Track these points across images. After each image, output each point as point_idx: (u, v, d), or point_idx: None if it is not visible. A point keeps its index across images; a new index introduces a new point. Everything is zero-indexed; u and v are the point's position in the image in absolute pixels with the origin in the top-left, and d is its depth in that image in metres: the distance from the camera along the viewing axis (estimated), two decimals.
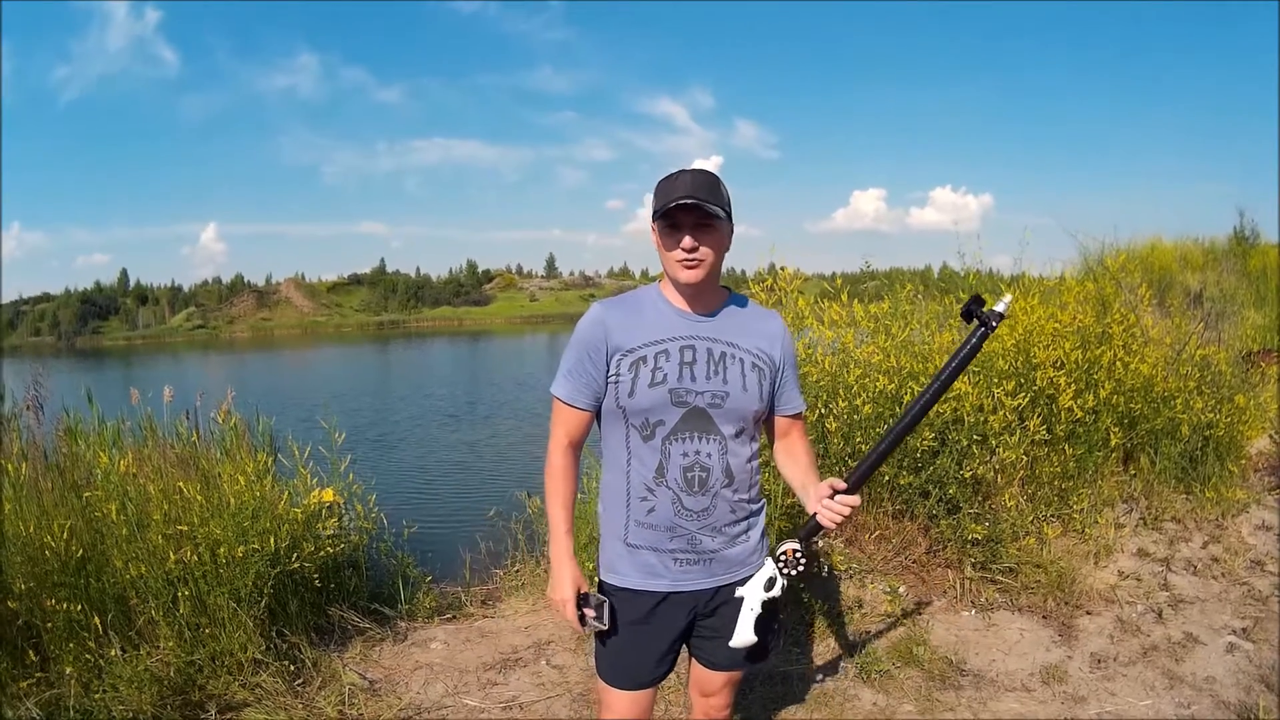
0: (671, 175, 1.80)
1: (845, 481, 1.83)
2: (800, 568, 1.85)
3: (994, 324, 1.75)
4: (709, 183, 1.77)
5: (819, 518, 1.82)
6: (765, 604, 1.86)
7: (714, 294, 1.89)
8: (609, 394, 1.85)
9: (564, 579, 1.87)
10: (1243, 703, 2.95)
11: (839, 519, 1.81)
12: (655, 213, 1.78)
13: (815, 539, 1.92)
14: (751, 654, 1.94)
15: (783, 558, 1.83)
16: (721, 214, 1.75)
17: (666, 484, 1.81)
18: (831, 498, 1.81)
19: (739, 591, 1.85)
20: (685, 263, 1.77)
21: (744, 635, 1.83)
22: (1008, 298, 1.79)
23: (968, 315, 1.77)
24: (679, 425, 1.80)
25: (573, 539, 1.92)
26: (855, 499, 1.82)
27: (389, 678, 3.23)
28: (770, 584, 1.84)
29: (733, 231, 1.86)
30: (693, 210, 1.73)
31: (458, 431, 11.66)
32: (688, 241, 1.75)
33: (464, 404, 16.30)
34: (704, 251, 1.76)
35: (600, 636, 1.96)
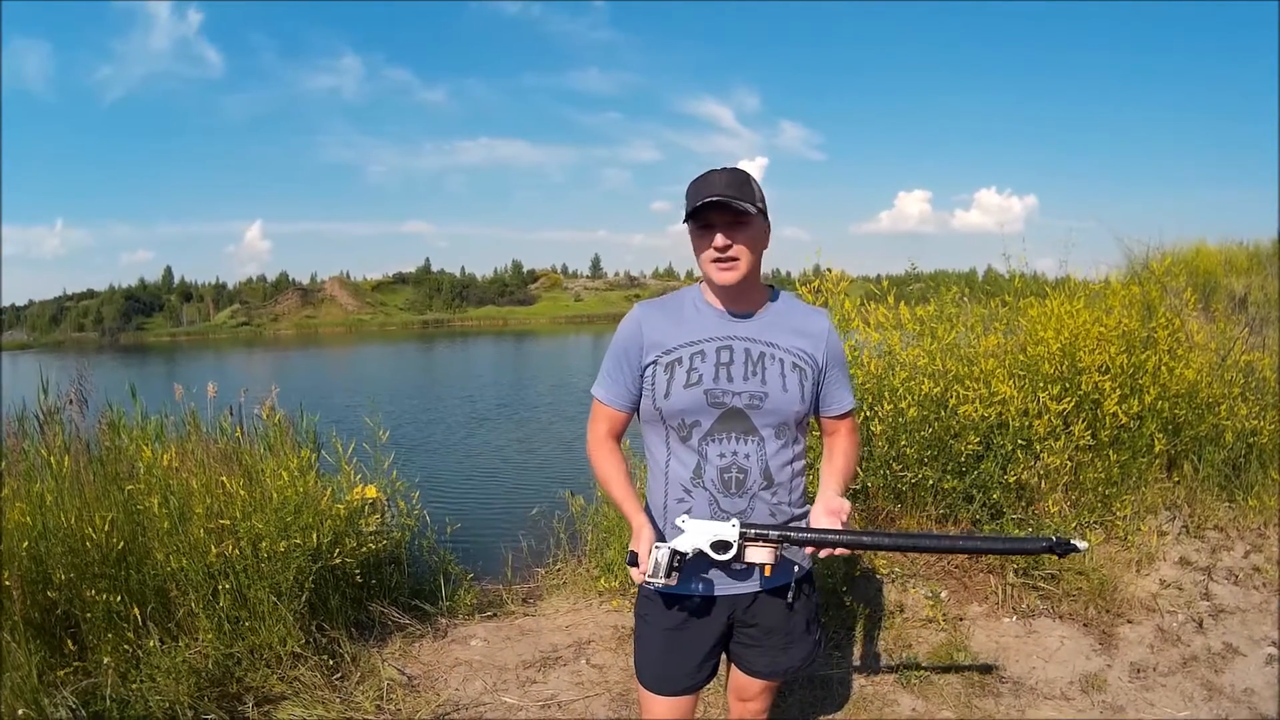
0: (701, 175, 1.77)
1: (852, 533, 1.73)
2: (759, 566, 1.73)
3: (1059, 552, 1.62)
4: (739, 180, 1.74)
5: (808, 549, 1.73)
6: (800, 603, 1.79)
7: (755, 293, 1.85)
8: (646, 397, 1.84)
9: (641, 537, 1.74)
10: None
11: (823, 554, 1.73)
12: (686, 214, 1.75)
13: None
14: (791, 664, 1.94)
15: (752, 557, 1.69)
16: (753, 210, 1.71)
17: (704, 485, 1.79)
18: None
19: (679, 520, 1.73)
20: (720, 264, 1.75)
21: (653, 571, 1.68)
22: (1086, 544, 1.66)
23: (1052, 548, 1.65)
24: (715, 426, 1.78)
25: (638, 501, 1.83)
26: (848, 551, 1.74)
27: (428, 674, 3.23)
28: (721, 548, 1.69)
29: (769, 229, 1.83)
30: (723, 208, 1.71)
31: (501, 430, 11.70)
32: (719, 240, 1.73)
33: (508, 403, 16.31)
34: (738, 250, 1.73)
35: (640, 640, 1.94)
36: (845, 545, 1.70)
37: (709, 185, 1.72)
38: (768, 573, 1.71)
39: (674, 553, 1.68)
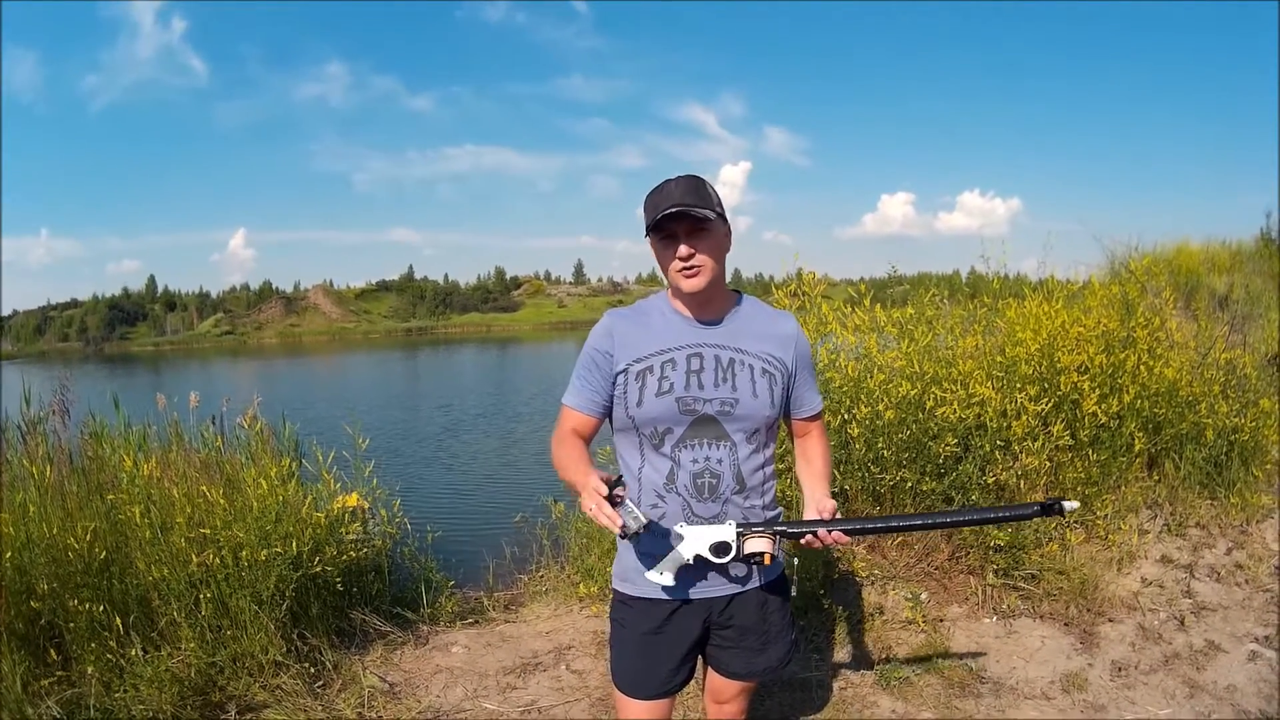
0: (658, 187, 1.79)
1: (847, 521, 1.80)
2: (759, 566, 1.79)
3: (1051, 513, 1.70)
4: (695, 187, 1.75)
5: (805, 538, 1.77)
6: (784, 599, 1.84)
7: (722, 299, 1.88)
8: (618, 406, 1.86)
9: (588, 482, 1.62)
10: (1263, 712, 2.92)
11: (818, 545, 1.77)
12: (647, 227, 1.77)
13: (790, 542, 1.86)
14: (768, 664, 1.96)
15: (755, 560, 1.73)
16: (712, 215, 1.73)
17: (677, 490, 1.81)
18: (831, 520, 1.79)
19: (678, 528, 1.75)
20: (685, 271, 1.77)
21: (661, 576, 1.74)
22: (1076, 504, 1.74)
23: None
24: (688, 433, 1.81)
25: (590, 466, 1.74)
26: (847, 539, 1.80)
27: (409, 681, 3.24)
28: (721, 550, 1.73)
29: (729, 232, 1.84)
30: (683, 218, 1.73)
31: (485, 438, 11.66)
32: (683, 250, 1.75)
33: (487, 413, 16.26)
34: (701, 258, 1.76)
35: (616, 645, 1.96)
36: (840, 530, 1.75)
37: (667, 196, 1.74)
38: (767, 561, 1.74)
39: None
